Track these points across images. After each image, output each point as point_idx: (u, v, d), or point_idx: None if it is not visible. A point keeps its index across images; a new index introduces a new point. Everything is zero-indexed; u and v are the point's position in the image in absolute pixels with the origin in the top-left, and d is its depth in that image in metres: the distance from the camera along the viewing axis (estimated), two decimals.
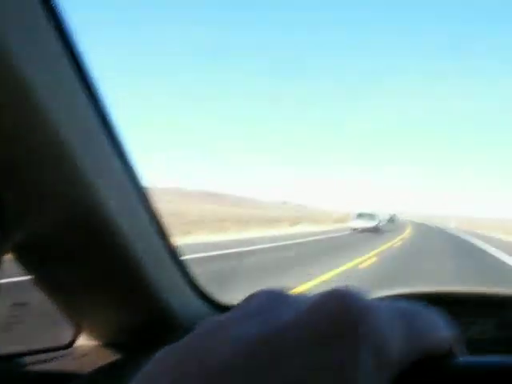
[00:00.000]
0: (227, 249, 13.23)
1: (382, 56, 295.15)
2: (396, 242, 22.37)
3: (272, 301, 0.34)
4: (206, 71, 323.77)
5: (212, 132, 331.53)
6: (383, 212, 66.59)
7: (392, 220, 67.69)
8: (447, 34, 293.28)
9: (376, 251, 15.81)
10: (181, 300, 1.04)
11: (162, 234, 0.95)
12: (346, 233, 28.86)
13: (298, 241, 19.09)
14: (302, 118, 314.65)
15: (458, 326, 1.40)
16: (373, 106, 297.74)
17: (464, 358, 0.39)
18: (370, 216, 34.53)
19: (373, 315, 0.32)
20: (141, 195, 0.87)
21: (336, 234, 26.56)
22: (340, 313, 0.31)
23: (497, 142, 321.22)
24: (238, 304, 0.34)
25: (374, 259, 13.29)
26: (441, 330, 0.38)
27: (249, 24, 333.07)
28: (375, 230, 31.95)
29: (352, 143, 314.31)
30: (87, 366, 0.94)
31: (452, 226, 60.15)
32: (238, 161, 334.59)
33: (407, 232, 35.88)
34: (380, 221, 35.39)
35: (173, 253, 1.00)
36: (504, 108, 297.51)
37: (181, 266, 1.04)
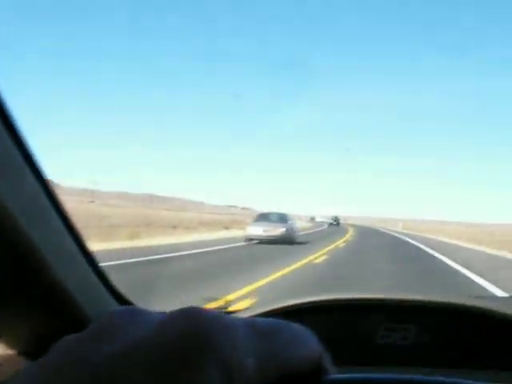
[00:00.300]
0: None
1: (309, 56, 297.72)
2: (317, 257, 14.88)
3: (124, 320, 0.33)
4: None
5: (163, 135, 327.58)
6: (326, 214, 64.26)
7: (337, 223, 64.78)
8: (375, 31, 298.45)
9: (269, 279, 9.65)
10: (98, 304, 1.03)
11: (75, 238, 0.94)
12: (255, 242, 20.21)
13: (191, 252, 15.06)
14: (247, 120, 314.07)
15: (380, 333, 1.35)
16: (313, 106, 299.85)
17: (333, 376, 0.39)
18: (279, 218, 22.40)
19: (225, 334, 0.31)
20: (51, 199, 0.86)
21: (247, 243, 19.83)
22: (189, 332, 0.30)
23: (440, 143, 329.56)
24: (91, 324, 0.33)
25: (248, 302, 6.96)
26: (306, 346, 0.36)
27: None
28: (286, 241, 20.28)
29: (301, 147, 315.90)
30: (4, 375, 0.94)
31: (399, 229, 58.06)
32: (190, 164, 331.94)
33: (343, 240, 26.45)
34: (295, 226, 23.68)
35: (88, 257, 0.99)
36: (442, 106, 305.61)
37: (97, 271, 1.03)
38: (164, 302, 6.59)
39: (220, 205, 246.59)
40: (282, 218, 22.47)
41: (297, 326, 0.36)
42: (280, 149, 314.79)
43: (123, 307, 0.35)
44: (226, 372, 0.29)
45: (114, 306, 1.06)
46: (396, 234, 40.35)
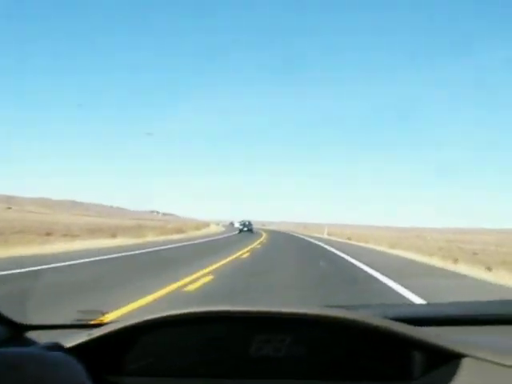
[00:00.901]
0: None
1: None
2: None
3: None
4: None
5: (87, 141, 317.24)
6: (245, 220, 57.55)
7: (249, 229, 55.27)
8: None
9: None
10: None
11: None
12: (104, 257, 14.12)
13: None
14: (172, 127, 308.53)
15: (254, 345, 1.30)
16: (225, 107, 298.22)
17: None
18: None
19: None
20: None
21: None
22: None
23: (363, 152, 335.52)
24: None
25: None
26: (64, 376, 0.33)
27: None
28: None
29: (223, 153, 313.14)
30: None
31: (325, 235, 52.20)
32: (114, 170, 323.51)
33: (224, 262, 13.62)
34: None
35: None
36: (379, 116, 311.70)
37: None
38: None
39: (142, 210, 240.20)
40: None
41: (55, 355, 0.32)
42: (203, 155, 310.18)
43: None
44: None
45: None
46: (321, 243, 32.14)
